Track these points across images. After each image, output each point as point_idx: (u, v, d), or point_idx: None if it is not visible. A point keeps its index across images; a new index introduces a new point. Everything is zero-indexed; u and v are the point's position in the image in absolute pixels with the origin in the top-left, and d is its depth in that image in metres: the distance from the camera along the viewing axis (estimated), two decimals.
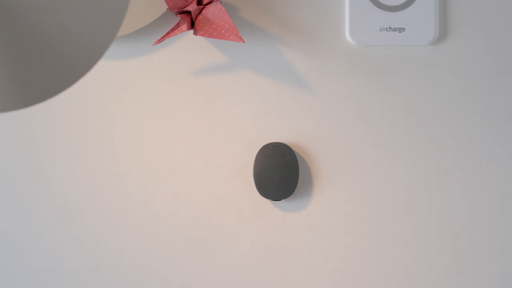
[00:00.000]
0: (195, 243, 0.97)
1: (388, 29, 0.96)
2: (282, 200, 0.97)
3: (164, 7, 0.95)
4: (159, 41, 0.92)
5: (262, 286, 0.97)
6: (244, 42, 0.92)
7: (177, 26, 0.93)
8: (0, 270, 0.97)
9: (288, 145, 0.97)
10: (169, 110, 0.97)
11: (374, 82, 0.97)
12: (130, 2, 0.92)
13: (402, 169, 0.97)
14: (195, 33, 0.93)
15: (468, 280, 0.97)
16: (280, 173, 0.96)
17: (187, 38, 0.97)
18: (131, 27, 0.95)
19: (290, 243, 0.97)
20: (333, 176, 0.97)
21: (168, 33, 0.92)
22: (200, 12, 0.93)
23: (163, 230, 0.97)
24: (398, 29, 0.96)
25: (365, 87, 0.97)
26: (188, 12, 0.93)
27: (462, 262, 0.97)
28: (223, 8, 0.92)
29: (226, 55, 0.97)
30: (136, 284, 0.97)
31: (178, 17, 0.94)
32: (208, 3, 0.93)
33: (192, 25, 0.94)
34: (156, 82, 0.97)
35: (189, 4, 0.93)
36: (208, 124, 0.97)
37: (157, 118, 0.97)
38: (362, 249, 0.97)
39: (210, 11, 0.93)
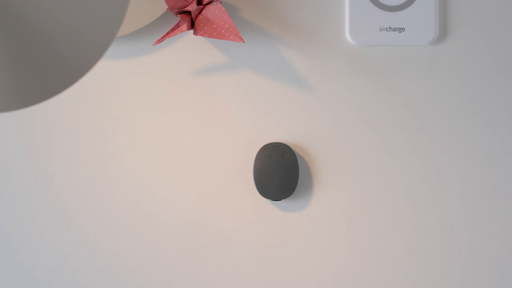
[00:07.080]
0: (195, 243, 0.97)
1: (388, 29, 0.96)
2: (282, 200, 0.97)
3: (164, 7, 0.95)
4: (159, 41, 0.92)
5: (262, 286, 0.97)
6: (244, 42, 0.92)
7: (177, 26, 0.93)
8: (0, 270, 0.97)
9: (288, 145, 0.97)
10: (169, 110, 0.97)
11: (374, 82, 0.97)
12: (130, 2, 0.92)
13: (402, 169, 0.97)
14: (195, 33, 0.93)
15: (468, 280, 0.97)
16: (280, 173, 0.96)
17: (187, 38, 0.97)
18: (131, 27, 0.95)
19: (290, 243, 0.97)
20: (333, 176, 0.97)
21: (168, 33, 0.92)
22: (200, 12, 0.93)
23: (162, 230, 0.97)
24: (398, 29, 0.96)
25: (365, 87, 0.97)
26: (188, 12, 0.93)
27: (462, 262, 0.97)
28: (223, 8, 0.92)
29: (226, 55, 0.97)
30: (136, 284, 0.97)
31: (178, 17, 0.94)
32: (208, 3, 0.93)
33: (192, 25, 0.94)
34: (156, 82, 0.97)
35: (189, 4, 0.93)
36: (208, 124, 0.97)
37: (157, 118, 0.97)
38: (362, 249, 0.97)
39: (210, 11, 0.93)
